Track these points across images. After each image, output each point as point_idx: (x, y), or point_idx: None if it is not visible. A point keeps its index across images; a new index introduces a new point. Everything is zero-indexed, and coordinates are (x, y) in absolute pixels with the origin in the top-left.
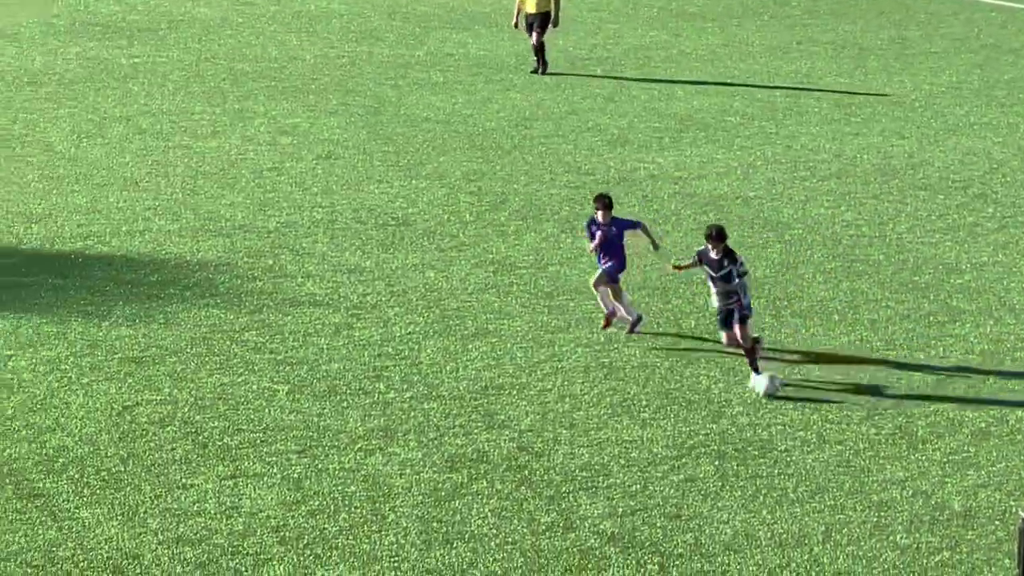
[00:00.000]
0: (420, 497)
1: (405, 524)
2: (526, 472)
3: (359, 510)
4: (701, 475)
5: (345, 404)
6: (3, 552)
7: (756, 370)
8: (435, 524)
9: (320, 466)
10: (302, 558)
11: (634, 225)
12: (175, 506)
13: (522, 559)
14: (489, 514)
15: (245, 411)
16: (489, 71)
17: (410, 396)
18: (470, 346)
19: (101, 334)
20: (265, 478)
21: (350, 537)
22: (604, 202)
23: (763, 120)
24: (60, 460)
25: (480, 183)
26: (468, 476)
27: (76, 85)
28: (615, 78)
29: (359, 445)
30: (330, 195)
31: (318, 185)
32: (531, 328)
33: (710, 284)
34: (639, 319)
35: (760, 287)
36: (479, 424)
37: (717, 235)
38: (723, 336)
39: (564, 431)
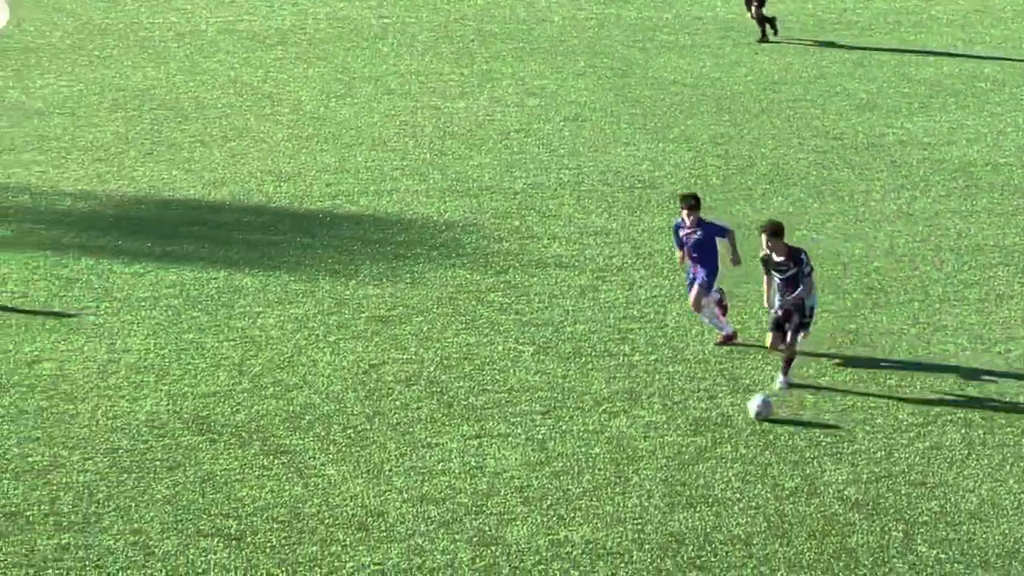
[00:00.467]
0: (664, 460)
1: (649, 487)
2: (770, 437)
3: (603, 472)
4: (947, 443)
5: (590, 366)
6: (250, 507)
7: (785, 372)
8: (678, 487)
9: (564, 427)
10: (545, 518)
11: (723, 232)
12: (420, 464)
13: (765, 523)
14: (733, 478)
15: (490, 371)
16: (737, 34)
17: (655, 359)
18: (716, 310)
19: (348, 292)
20: (509, 438)
21: (594, 499)
22: (688, 203)
23: (1014, 86)
24: (307, 417)
25: (727, 147)
26: (712, 440)
27: (326, 45)
28: (863, 47)
29: (603, 407)
30: (577, 157)
31: (565, 147)
32: None
33: (775, 282)
34: (733, 334)
35: (1009, 255)
36: (724, 388)
37: (772, 231)
38: (769, 337)
39: (809, 396)
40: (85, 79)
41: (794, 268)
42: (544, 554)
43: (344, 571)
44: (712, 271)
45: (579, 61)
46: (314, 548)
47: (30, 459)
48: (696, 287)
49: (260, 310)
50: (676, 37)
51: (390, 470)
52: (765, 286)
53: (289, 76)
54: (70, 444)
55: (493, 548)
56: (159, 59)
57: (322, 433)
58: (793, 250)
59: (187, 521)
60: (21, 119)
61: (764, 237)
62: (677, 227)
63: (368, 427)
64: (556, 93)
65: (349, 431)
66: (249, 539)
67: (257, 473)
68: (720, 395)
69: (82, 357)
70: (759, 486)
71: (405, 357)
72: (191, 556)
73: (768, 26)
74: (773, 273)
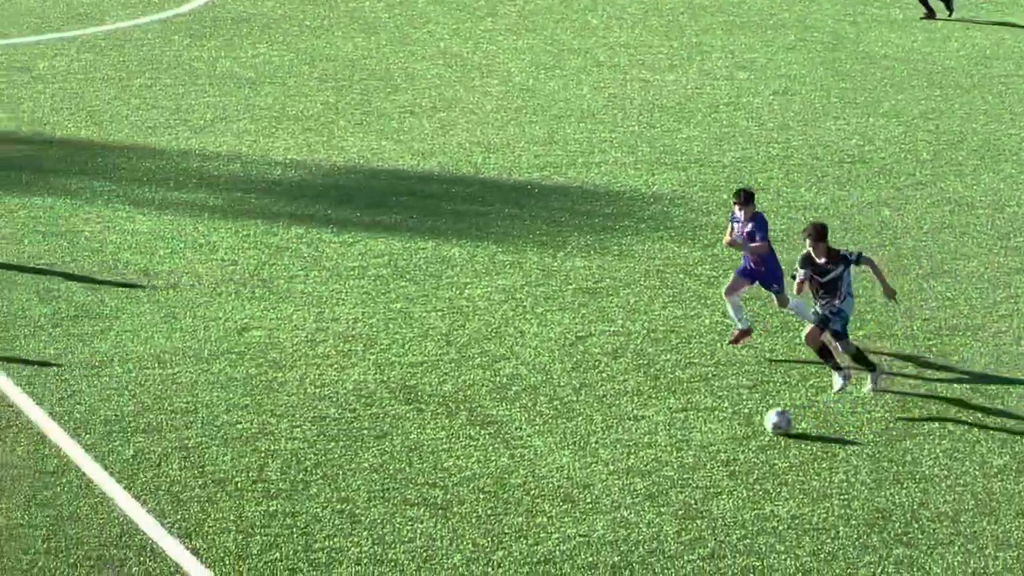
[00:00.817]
0: (871, 436)
1: (855, 462)
2: (979, 414)
3: (809, 447)
4: None
5: (797, 340)
6: (456, 477)
7: (838, 368)
8: (885, 463)
9: (771, 401)
10: (751, 492)
11: (764, 238)
12: (626, 437)
13: (973, 501)
14: (941, 455)
15: (697, 345)
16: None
17: (862, 335)
18: (924, 286)
19: (556, 264)
20: (716, 412)
21: (800, 473)
22: (740, 197)
23: None
24: (513, 388)
25: (938, 121)
26: (920, 416)
27: (535, 16)
28: None
29: (810, 382)
30: (786, 131)
31: (774, 120)
32: (987, 269)
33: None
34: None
35: None
36: (932, 365)
37: (816, 235)
38: (807, 327)
39: (1019, 374)
40: (295, 49)
41: (835, 271)
42: (749, 528)
43: (550, 542)
44: (774, 269)
45: (789, 34)
46: (520, 519)
47: (239, 426)
48: (776, 295)
49: (468, 280)
50: (887, 11)
51: (596, 442)
52: (797, 282)
53: (498, 47)
54: (278, 412)
55: (698, 521)
56: (369, 29)
57: (528, 404)
58: (834, 252)
59: (393, 490)
60: (232, 88)
61: (808, 241)
62: (733, 219)
63: (575, 399)
64: (766, 66)
65: (555, 402)
66: (455, 509)
67: (463, 443)
68: (928, 372)
69: (291, 325)
70: (967, 463)
71: (612, 329)
72: (397, 525)
73: (942, 5)
74: (814, 276)
